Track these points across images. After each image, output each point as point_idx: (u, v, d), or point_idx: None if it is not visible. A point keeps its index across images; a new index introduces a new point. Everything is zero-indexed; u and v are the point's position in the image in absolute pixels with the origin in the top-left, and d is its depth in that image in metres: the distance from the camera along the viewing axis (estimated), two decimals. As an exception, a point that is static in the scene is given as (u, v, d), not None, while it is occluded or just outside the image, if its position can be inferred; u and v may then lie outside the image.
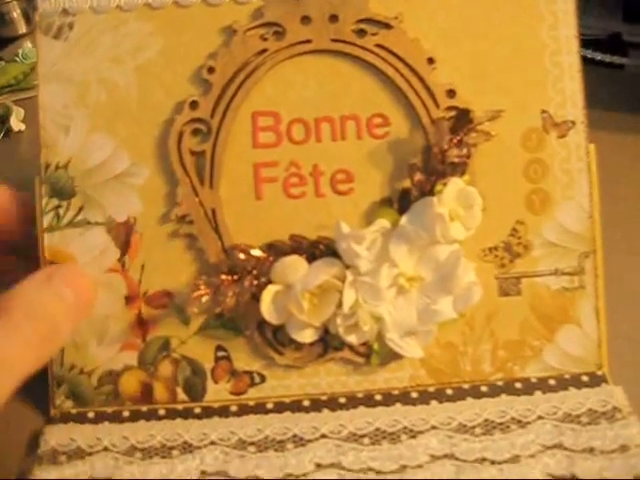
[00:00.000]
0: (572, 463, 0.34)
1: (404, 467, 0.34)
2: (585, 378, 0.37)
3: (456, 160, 0.35)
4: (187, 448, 0.35)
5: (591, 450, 0.34)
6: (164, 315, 0.37)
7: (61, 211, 0.36)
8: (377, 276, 0.35)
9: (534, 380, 0.37)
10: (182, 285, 0.36)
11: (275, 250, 0.36)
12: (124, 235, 0.36)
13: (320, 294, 0.35)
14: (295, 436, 0.35)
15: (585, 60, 0.36)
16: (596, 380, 0.37)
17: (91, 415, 0.36)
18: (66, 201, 0.36)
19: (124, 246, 0.36)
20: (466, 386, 0.37)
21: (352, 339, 0.35)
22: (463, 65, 0.36)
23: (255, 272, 0.35)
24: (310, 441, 0.35)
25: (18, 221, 0.37)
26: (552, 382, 0.37)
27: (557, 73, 0.37)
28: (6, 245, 0.38)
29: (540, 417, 0.35)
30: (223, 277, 0.35)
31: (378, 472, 0.34)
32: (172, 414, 0.36)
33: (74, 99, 0.36)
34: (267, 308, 0.35)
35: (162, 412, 0.36)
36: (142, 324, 0.37)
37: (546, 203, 0.37)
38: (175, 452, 0.35)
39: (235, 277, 0.35)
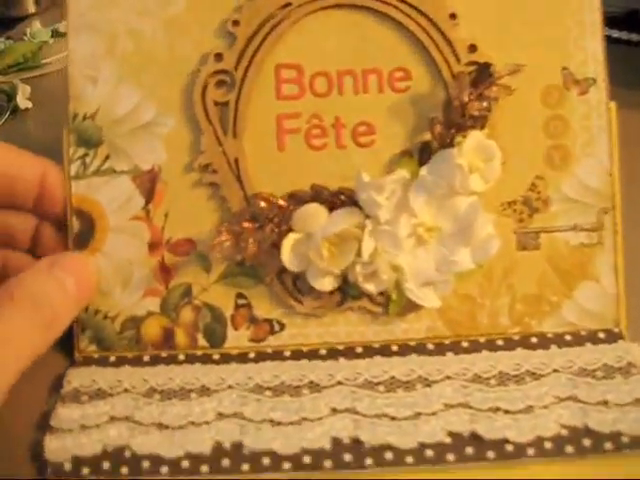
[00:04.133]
0: (585, 414, 0.34)
1: (418, 414, 0.34)
2: (602, 335, 0.37)
3: (476, 113, 0.36)
4: (205, 391, 0.35)
5: (605, 403, 0.34)
6: (186, 262, 0.37)
7: (88, 160, 0.37)
8: (396, 225, 0.35)
9: (550, 335, 0.37)
10: (205, 233, 0.37)
11: (296, 199, 0.37)
12: (149, 183, 0.37)
13: (340, 243, 0.36)
14: (311, 382, 0.36)
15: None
16: (613, 337, 0.37)
17: (113, 359, 0.37)
18: (93, 150, 0.37)
19: (149, 194, 0.37)
20: (482, 339, 0.37)
21: (370, 288, 0.36)
22: (485, 20, 0.37)
23: (276, 220, 0.36)
24: (325, 387, 0.35)
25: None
26: (568, 337, 0.37)
27: (579, 31, 0.37)
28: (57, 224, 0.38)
29: (555, 370, 0.35)
30: (245, 224, 0.36)
31: (392, 418, 0.34)
32: (191, 359, 0.37)
33: (102, 50, 0.37)
34: (287, 255, 0.36)
35: (182, 357, 0.37)
36: (165, 271, 0.37)
37: (566, 159, 0.37)
38: (193, 395, 0.35)
39: (257, 225, 0.36)
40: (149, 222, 0.37)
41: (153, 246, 0.37)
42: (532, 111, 0.37)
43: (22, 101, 0.58)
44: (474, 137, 0.36)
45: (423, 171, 0.35)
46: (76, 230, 0.37)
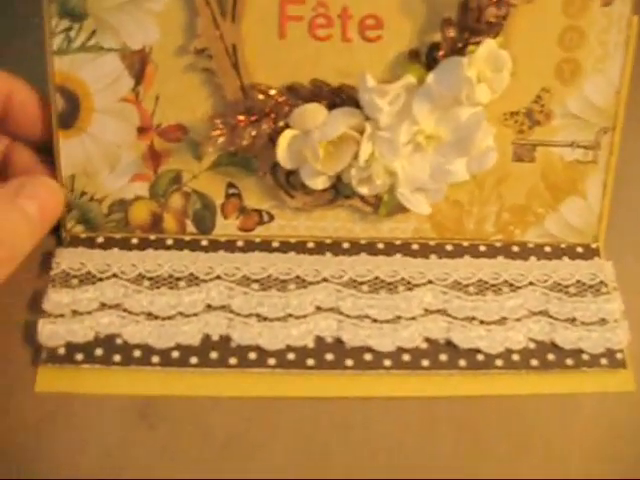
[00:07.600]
0: (553, 330, 0.36)
1: (399, 318, 0.36)
2: (580, 249, 0.38)
3: (492, 20, 0.34)
4: (193, 280, 0.36)
5: (573, 320, 0.36)
6: (177, 149, 0.36)
7: (72, 34, 0.34)
8: (396, 131, 0.34)
9: (531, 245, 0.38)
10: (197, 120, 0.36)
11: (295, 93, 0.35)
12: (139, 64, 0.35)
13: (337, 144, 0.35)
14: (298, 277, 0.37)
15: None
16: (589, 253, 0.38)
17: (100, 240, 0.37)
18: (78, 23, 0.34)
19: (138, 75, 0.35)
20: (466, 244, 0.38)
21: (364, 191, 0.36)
22: None
23: (273, 115, 0.35)
24: (312, 283, 0.36)
25: (39, 119, 0.36)
26: (548, 249, 0.38)
27: None
28: (29, 144, 0.37)
29: (531, 283, 0.37)
30: (240, 118, 0.34)
31: (374, 320, 0.36)
32: (180, 245, 0.37)
33: None
34: (283, 152, 0.35)
35: (170, 242, 0.37)
36: (154, 156, 0.36)
37: (576, 73, 0.36)
38: (182, 283, 0.36)
39: (252, 118, 0.35)
40: (138, 105, 0.35)
41: (142, 130, 0.36)
42: (550, 20, 0.35)
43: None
44: (487, 46, 0.34)
45: (429, 79, 0.34)
46: (60, 109, 0.35)
